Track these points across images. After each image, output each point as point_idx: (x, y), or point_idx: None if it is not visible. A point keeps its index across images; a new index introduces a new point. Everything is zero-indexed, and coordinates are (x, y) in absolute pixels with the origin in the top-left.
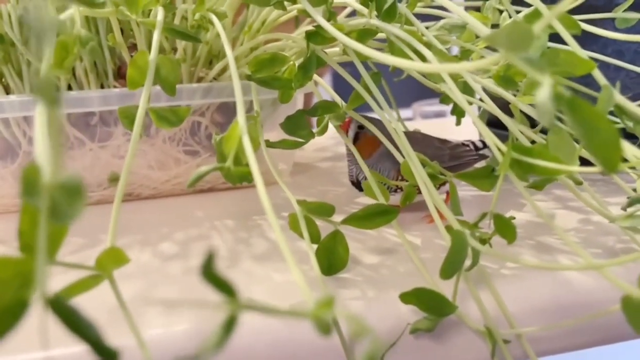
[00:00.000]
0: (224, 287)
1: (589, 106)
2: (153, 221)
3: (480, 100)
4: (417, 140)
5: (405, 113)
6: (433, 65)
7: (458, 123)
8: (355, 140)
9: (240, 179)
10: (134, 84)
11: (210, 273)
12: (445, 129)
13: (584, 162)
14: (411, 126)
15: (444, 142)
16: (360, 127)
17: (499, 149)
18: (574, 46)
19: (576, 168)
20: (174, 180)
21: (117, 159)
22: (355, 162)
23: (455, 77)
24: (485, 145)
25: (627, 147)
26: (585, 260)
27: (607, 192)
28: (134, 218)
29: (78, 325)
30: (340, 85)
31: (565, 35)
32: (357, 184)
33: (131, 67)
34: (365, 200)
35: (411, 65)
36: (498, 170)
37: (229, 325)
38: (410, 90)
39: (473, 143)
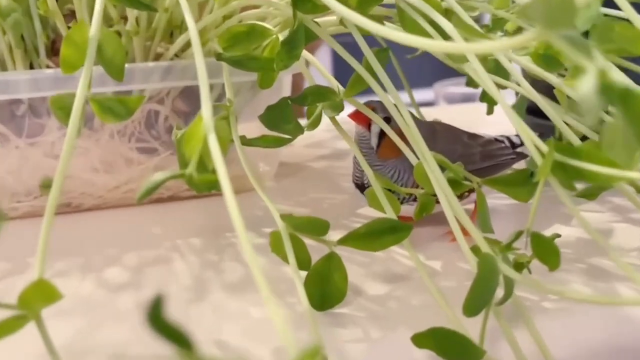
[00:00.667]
0: (176, 337)
1: None
2: (97, 240)
3: (517, 84)
4: (438, 134)
5: (424, 95)
6: (453, 45)
7: (490, 112)
8: (380, 139)
9: (206, 188)
10: (69, 66)
11: (158, 320)
12: (476, 117)
13: None
14: (431, 114)
15: (473, 137)
16: (387, 119)
17: (538, 149)
18: (632, 16)
19: (636, 174)
20: (124, 187)
21: (51, 159)
22: (382, 162)
23: (485, 55)
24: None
25: None
26: None
27: None
28: (72, 236)
29: None
30: (341, 66)
31: (624, 4)
32: (362, 188)
33: (66, 45)
34: (370, 212)
35: (426, 45)
36: (536, 176)
37: None
38: (432, 67)
39: (509, 138)
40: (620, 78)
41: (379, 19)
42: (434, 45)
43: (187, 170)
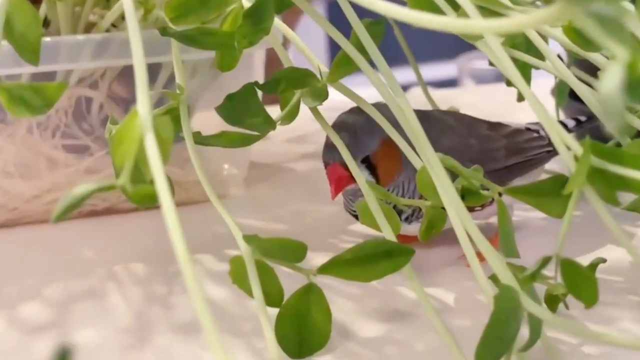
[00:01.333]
0: None
1: None
2: (10, 266)
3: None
4: (448, 127)
5: (444, 71)
6: (466, 22)
7: (521, 98)
8: (372, 168)
9: (143, 201)
10: None
11: None
12: (512, 101)
13: None
14: (452, 98)
15: (496, 126)
16: (365, 159)
17: (569, 149)
18: None
19: None
20: (46, 197)
21: None
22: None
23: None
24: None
25: None
26: None
27: None
28: None
29: None
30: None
31: None
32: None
33: None
34: (365, 230)
35: (433, 22)
36: (567, 186)
37: None
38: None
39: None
40: None
41: None
42: (444, 23)
43: (119, 181)
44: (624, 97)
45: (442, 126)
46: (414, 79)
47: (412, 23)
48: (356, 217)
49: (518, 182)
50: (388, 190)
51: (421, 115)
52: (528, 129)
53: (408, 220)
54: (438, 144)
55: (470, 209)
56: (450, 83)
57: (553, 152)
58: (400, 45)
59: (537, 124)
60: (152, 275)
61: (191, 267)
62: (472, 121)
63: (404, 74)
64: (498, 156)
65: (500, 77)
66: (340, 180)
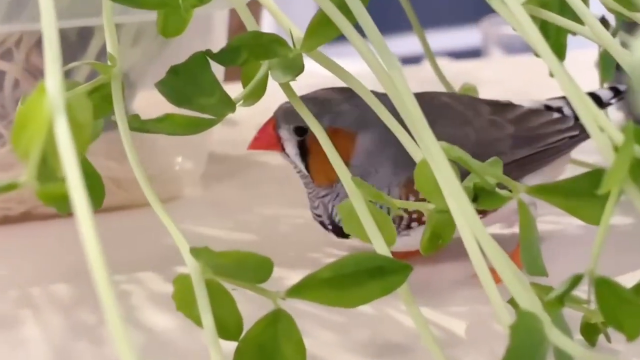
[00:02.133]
0: None
1: None
2: None
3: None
4: (436, 113)
5: (466, 37)
6: None
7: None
8: (305, 152)
9: (54, 204)
10: None
11: None
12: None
13: None
14: (478, 70)
15: (502, 108)
16: (300, 129)
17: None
18: None
19: None
20: None
21: None
22: (323, 191)
23: None
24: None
25: None
26: None
27: None
28: None
29: None
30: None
31: None
32: (336, 228)
33: None
34: (354, 243)
35: None
36: (603, 184)
37: None
38: None
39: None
40: None
41: None
42: None
43: (24, 178)
44: None
45: (429, 112)
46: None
47: None
48: (322, 224)
49: (532, 179)
50: (325, 195)
51: (421, 96)
52: (548, 108)
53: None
54: (437, 128)
55: None
56: (473, 53)
57: (580, 137)
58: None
59: (562, 98)
60: (78, 299)
61: (111, 293)
62: (470, 103)
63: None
64: (502, 148)
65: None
66: (261, 138)
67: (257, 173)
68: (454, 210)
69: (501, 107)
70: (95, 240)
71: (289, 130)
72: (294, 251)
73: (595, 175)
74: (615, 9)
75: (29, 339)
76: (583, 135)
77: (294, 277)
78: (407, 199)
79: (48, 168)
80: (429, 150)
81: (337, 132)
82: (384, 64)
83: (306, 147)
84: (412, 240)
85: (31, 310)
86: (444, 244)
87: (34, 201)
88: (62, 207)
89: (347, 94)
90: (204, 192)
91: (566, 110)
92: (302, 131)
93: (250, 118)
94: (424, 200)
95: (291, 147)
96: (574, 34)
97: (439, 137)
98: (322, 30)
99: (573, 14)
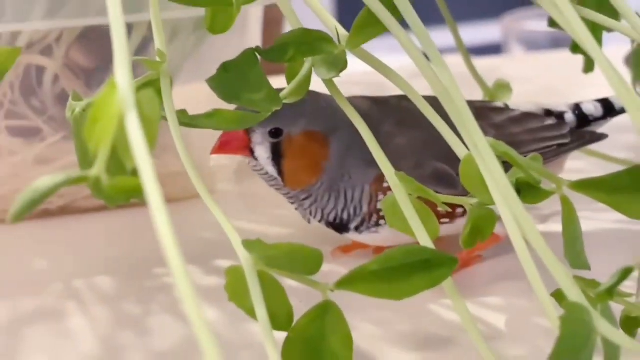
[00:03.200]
0: None
1: None
2: None
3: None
4: (410, 115)
5: (487, 33)
6: None
7: (588, 69)
8: (279, 155)
9: (122, 197)
10: None
11: None
12: (570, 74)
13: None
14: (499, 67)
15: (487, 112)
16: (275, 131)
17: None
18: None
19: None
20: None
21: None
22: (302, 194)
23: None
24: (608, 112)
25: None
26: None
27: None
28: None
29: None
30: (348, 7)
31: None
32: (338, 224)
33: None
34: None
35: None
36: None
37: None
38: None
39: (578, 108)
40: None
41: None
42: None
43: (92, 172)
44: None
45: (403, 115)
46: (448, 44)
47: None
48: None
49: None
50: (305, 199)
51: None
52: (549, 113)
53: (358, 230)
54: (393, 138)
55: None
56: (493, 49)
57: (570, 146)
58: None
59: (572, 105)
60: (122, 291)
61: (185, 271)
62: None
63: (435, 37)
64: None
65: (557, 43)
66: (228, 142)
67: None
68: (500, 204)
69: (488, 111)
70: (170, 230)
71: (264, 133)
72: (328, 246)
73: (638, 171)
74: None
75: (75, 331)
76: (574, 144)
77: (332, 271)
78: (377, 195)
79: (116, 163)
80: (476, 146)
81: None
82: (431, 63)
83: (281, 150)
84: (456, 226)
85: (76, 302)
86: (483, 239)
87: (72, 195)
88: (121, 199)
89: (314, 96)
90: (236, 187)
91: (568, 117)
92: (278, 134)
93: None
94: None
95: (263, 151)
96: (610, 30)
97: (418, 138)
98: (368, 28)
99: (609, 11)
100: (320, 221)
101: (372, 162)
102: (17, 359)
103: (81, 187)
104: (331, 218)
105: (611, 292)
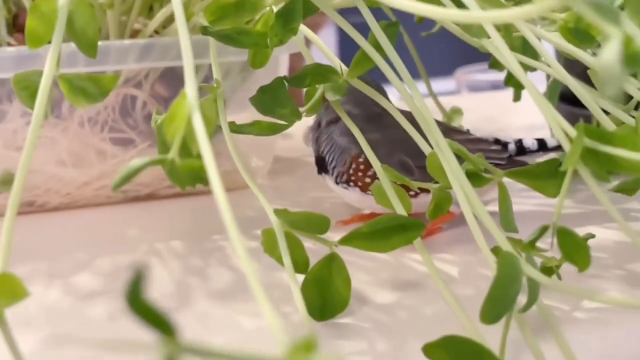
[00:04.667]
0: (158, 321)
1: None
2: (65, 243)
3: (547, 65)
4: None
5: (444, 85)
6: (468, 13)
7: (517, 98)
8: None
9: (190, 178)
10: (35, 40)
11: (138, 302)
12: (504, 107)
13: None
14: (453, 102)
15: (449, 133)
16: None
17: (569, 137)
18: None
19: None
20: (96, 183)
21: (12, 151)
22: (323, 131)
23: (509, 32)
24: (541, 147)
25: None
26: None
27: None
28: (36, 238)
29: None
30: (348, 49)
31: None
32: (321, 162)
33: (32, 16)
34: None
35: (435, 13)
36: (564, 164)
37: None
38: (453, 52)
39: (520, 141)
40: None
41: None
42: (445, 13)
43: (169, 155)
44: (621, 66)
45: (383, 120)
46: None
47: (421, 14)
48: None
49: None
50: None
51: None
52: (497, 141)
53: (337, 181)
54: (375, 133)
55: None
56: (449, 94)
57: (504, 167)
58: (408, 61)
59: (519, 139)
60: (189, 250)
61: (235, 229)
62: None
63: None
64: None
65: (493, 86)
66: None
67: (307, 169)
68: (456, 187)
69: (452, 131)
70: (226, 201)
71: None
72: (334, 219)
73: (552, 163)
74: (563, 49)
75: (157, 278)
76: (507, 166)
77: (336, 236)
78: (351, 163)
79: (185, 150)
80: (438, 145)
81: None
82: (410, 93)
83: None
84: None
85: (157, 258)
86: (443, 213)
87: (156, 185)
88: (188, 180)
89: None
90: (270, 181)
91: (510, 147)
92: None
93: (299, 134)
94: (366, 170)
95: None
96: (533, 70)
97: (390, 136)
98: (362, 64)
99: (532, 53)
100: (316, 152)
101: (357, 143)
102: (115, 295)
103: (163, 179)
104: (322, 153)
105: (532, 244)
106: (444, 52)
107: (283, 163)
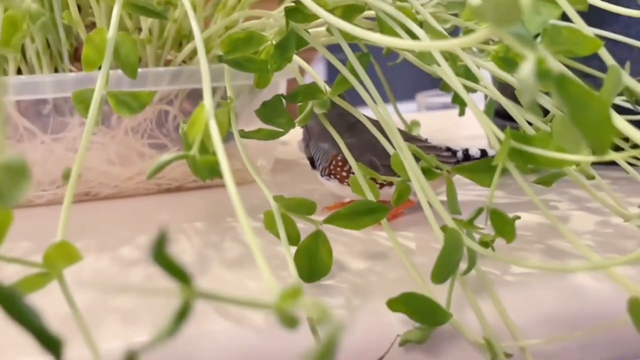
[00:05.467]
0: (177, 272)
1: (578, 83)
2: (112, 223)
3: (485, 87)
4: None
5: (407, 107)
6: (419, 43)
7: (461, 113)
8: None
9: (208, 170)
10: (90, 64)
11: (161, 256)
12: (453, 122)
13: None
14: (412, 117)
15: (410, 140)
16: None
17: (499, 140)
18: (578, 23)
19: (580, 157)
20: (137, 178)
21: (72, 153)
22: (310, 139)
23: (455, 61)
24: (483, 155)
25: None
26: (591, 260)
27: (632, 192)
28: (91, 220)
29: (20, 312)
30: (333, 77)
31: (570, 11)
32: (312, 161)
33: (87, 46)
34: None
35: (395, 43)
36: (495, 160)
37: (183, 312)
38: (414, 81)
39: (467, 150)
40: (557, 66)
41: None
42: (402, 43)
43: (191, 152)
44: (535, 79)
45: (357, 128)
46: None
47: (386, 45)
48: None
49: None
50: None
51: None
52: (449, 149)
53: (322, 175)
54: (351, 138)
55: None
56: (411, 112)
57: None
58: (378, 87)
59: (466, 149)
60: (208, 229)
61: (244, 212)
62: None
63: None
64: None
65: (445, 107)
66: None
67: (301, 169)
68: (414, 180)
69: (413, 139)
70: (236, 192)
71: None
72: (321, 205)
73: (489, 160)
74: (497, 75)
75: (183, 250)
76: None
77: (322, 218)
78: (332, 160)
79: (204, 149)
80: (400, 147)
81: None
82: (375, 102)
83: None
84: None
85: (184, 235)
86: (403, 200)
87: (183, 180)
88: (207, 175)
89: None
90: (271, 177)
91: (459, 154)
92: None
93: (294, 142)
94: (343, 166)
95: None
96: (474, 91)
97: (363, 140)
98: (341, 84)
99: (473, 78)
100: (307, 155)
101: (337, 146)
102: (149, 264)
103: (189, 175)
104: (312, 155)
105: (471, 222)
106: (407, 79)
107: (282, 164)
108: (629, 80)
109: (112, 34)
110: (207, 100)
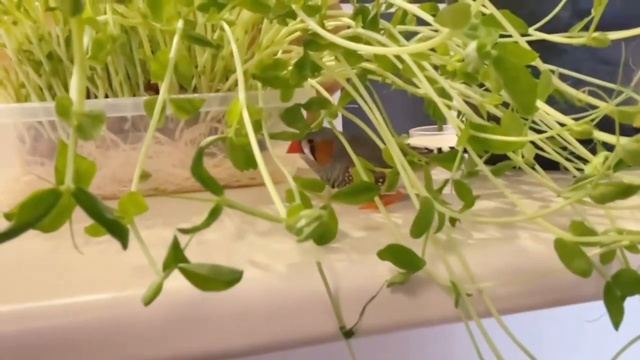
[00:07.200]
0: (211, 184)
1: (511, 61)
2: (175, 210)
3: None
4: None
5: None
6: (389, 48)
7: (439, 128)
8: (314, 152)
9: (243, 159)
10: (156, 76)
11: (199, 171)
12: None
13: (549, 165)
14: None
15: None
16: (310, 140)
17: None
18: (519, 40)
19: (523, 138)
20: (194, 179)
21: (147, 159)
22: (324, 169)
23: (432, 83)
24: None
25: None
26: (526, 213)
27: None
28: (159, 208)
29: (95, 209)
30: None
31: (512, 31)
32: (330, 183)
33: (153, 62)
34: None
35: (368, 49)
36: (456, 145)
37: (214, 212)
38: (408, 117)
39: (440, 150)
40: (495, 51)
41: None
42: (375, 50)
43: (229, 134)
44: (477, 54)
45: (361, 140)
46: None
47: (359, 50)
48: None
49: None
50: (322, 170)
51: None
52: (427, 148)
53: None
54: (356, 149)
55: None
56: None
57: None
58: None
59: (439, 148)
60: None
61: (270, 179)
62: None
63: None
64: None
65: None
66: (294, 147)
67: (313, 174)
68: (402, 171)
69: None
70: (263, 161)
71: (305, 142)
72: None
73: (454, 152)
74: (463, 93)
75: (225, 225)
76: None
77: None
78: (344, 173)
79: (239, 134)
80: (391, 144)
81: (323, 145)
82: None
83: (314, 148)
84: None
85: (227, 216)
86: (393, 188)
87: (228, 180)
88: (244, 165)
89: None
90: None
91: (434, 151)
92: (311, 141)
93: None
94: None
95: (307, 149)
96: (450, 107)
97: (364, 151)
98: (345, 98)
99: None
100: (326, 181)
101: (345, 158)
102: (202, 234)
103: (233, 176)
104: (330, 180)
105: (440, 190)
106: (403, 117)
107: (302, 172)
108: (559, 84)
109: (173, 54)
110: (241, 94)
